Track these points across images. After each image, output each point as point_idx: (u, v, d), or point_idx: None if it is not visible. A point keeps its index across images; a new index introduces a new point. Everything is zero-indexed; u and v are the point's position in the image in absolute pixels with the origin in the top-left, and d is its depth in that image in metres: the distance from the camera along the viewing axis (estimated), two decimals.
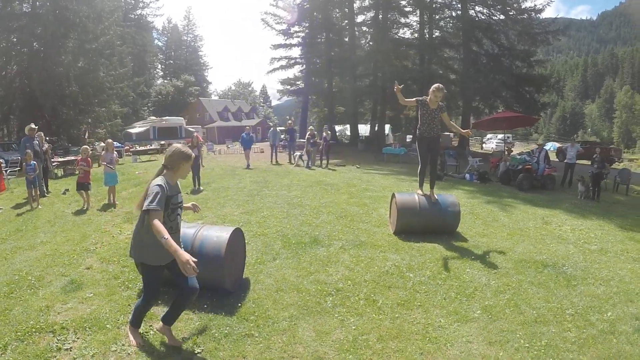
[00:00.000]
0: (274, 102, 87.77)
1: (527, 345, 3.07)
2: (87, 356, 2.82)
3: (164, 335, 2.99)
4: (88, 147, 8.50)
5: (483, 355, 2.87)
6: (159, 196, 2.57)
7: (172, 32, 60.67)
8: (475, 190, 10.99)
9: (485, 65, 24.89)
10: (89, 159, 8.29)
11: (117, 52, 22.89)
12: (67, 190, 9.49)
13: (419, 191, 5.77)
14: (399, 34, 27.82)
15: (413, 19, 26.82)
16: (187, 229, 3.70)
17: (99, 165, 10.19)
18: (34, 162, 7.97)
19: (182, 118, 31.98)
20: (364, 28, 28.53)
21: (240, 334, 3.05)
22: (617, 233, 7.16)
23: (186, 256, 2.41)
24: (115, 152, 8.57)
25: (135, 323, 2.98)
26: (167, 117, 29.66)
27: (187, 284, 2.78)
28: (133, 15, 37.70)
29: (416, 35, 26.85)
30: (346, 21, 28.17)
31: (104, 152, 8.46)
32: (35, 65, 18.85)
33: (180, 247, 2.71)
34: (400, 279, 4.08)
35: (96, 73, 19.70)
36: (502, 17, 24.44)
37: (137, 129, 24.90)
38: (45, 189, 9.10)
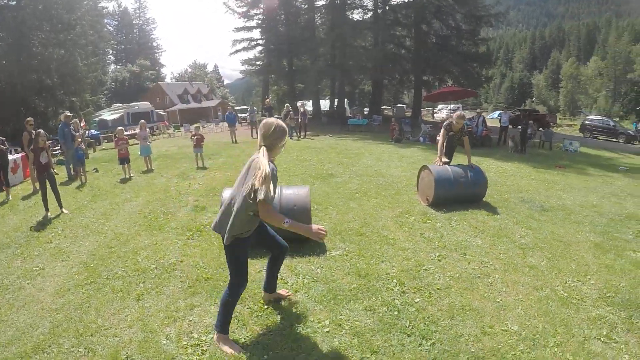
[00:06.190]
0: (226, 82, 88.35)
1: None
2: None
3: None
4: (122, 129, 10.42)
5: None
6: (273, 186, 2.46)
7: (122, 16, 59.20)
8: (427, 148, 14.08)
9: (434, 44, 27.71)
10: (124, 137, 10.30)
11: (89, 41, 23.58)
12: (96, 169, 10.78)
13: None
14: (354, 15, 30.22)
15: (368, 2, 29.21)
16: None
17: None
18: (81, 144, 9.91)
19: (150, 103, 32.94)
20: (323, 10, 30.60)
21: (323, 208, 5.97)
22: (528, 169, 10.34)
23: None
24: (147, 129, 10.64)
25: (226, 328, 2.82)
26: (134, 103, 30.65)
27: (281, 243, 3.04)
28: (86, 2, 37.23)
29: (370, 14, 29.32)
30: (306, 5, 30.06)
31: (139, 130, 10.55)
32: (11, 58, 19.43)
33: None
34: (388, 187, 7.16)
35: (75, 63, 20.62)
36: (450, 1, 26.75)
37: (111, 115, 25.92)
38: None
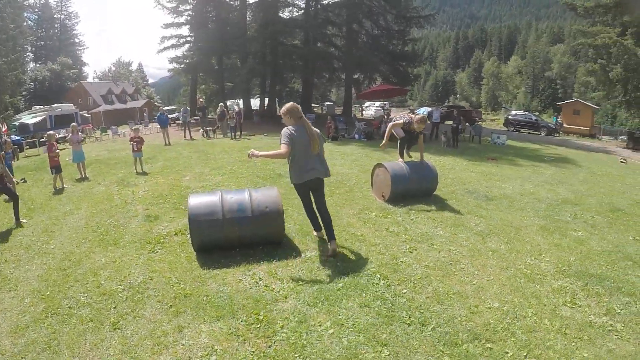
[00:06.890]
0: (151, 81, 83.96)
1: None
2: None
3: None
4: (54, 133, 9.46)
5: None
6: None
7: (43, 9, 53.30)
8: (364, 145, 14.69)
9: (365, 43, 28.44)
10: (55, 142, 9.28)
11: (10, 36, 20.80)
12: (24, 179, 9.41)
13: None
14: (285, 13, 30.03)
15: (299, 0, 29.13)
16: (236, 195, 4.58)
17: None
18: (11, 150, 8.83)
19: (73, 105, 30.25)
20: (254, 7, 30.02)
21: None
22: (464, 162, 11.20)
23: None
24: (79, 133, 9.74)
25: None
26: (57, 105, 27.98)
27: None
28: None
29: (302, 12, 29.28)
30: (237, 3, 29.35)
31: (70, 134, 9.61)
32: None
33: None
34: (340, 185, 7.28)
35: None
36: (382, 2, 27.53)
37: (32, 119, 23.41)
38: None
